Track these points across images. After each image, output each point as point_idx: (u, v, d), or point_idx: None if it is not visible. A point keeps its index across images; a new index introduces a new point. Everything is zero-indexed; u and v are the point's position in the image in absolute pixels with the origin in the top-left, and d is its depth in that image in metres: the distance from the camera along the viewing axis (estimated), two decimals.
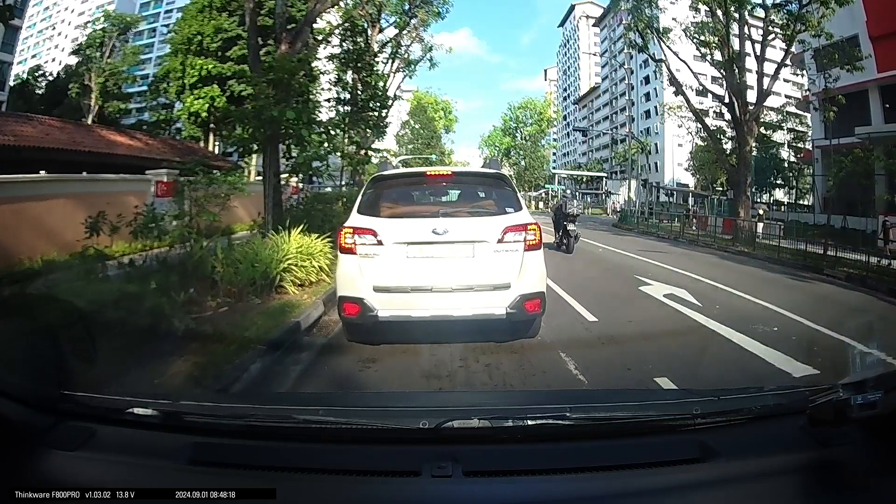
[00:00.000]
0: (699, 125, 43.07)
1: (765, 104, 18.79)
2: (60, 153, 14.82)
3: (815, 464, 1.24)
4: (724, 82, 18.06)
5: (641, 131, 53.60)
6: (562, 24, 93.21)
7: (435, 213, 4.31)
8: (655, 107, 53.28)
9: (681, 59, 19.23)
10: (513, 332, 4.35)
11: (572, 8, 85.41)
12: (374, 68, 21.31)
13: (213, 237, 6.11)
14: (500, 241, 4.06)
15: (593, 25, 76.70)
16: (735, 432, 1.35)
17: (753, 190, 40.42)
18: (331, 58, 20.48)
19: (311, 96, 15.36)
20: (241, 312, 4.98)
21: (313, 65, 19.85)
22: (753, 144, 19.16)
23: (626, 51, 62.67)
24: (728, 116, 20.34)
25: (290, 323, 4.63)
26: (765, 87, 17.69)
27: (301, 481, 1.19)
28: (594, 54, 71.97)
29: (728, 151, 21.47)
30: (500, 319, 4.00)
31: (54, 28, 59.84)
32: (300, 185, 18.91)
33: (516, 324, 4.21)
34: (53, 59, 45.06)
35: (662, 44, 19.55)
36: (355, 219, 4.25)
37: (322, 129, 9.44)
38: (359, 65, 20.17)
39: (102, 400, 1.42)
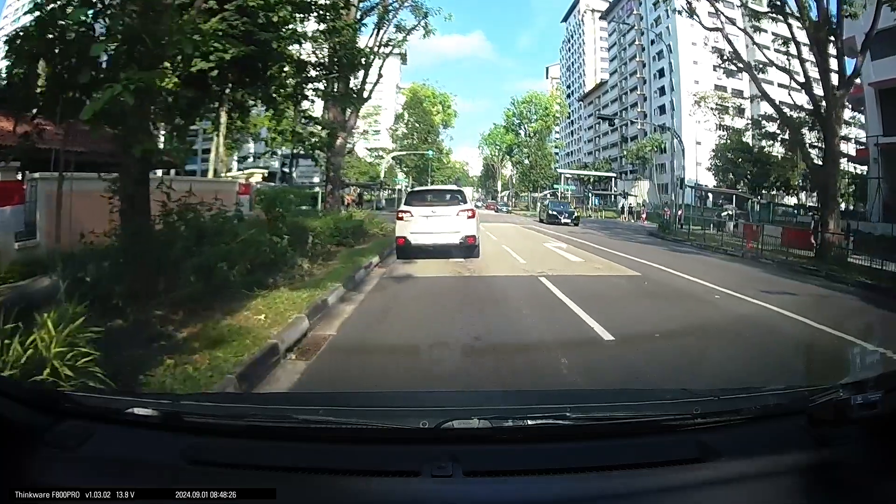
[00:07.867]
0: (719, 118, 38.63)
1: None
2: None
3: (815, 464, 1.23)
4: (814, 58, 13.52)
5: (656, 128, 49.13)
6: (565, 19, 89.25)
7: (433, 204, 10.91)
8: (671, 101, 48.93)
9: (751, 28, 14.75)
10: (465, 252, 10.57)
11: (576, 2, 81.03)
12: (341, 10, 15.86)
13: None
14: (457, 214, 10.54)
15: (600, 18, 72.37)
16: (735, 432, 1.33)
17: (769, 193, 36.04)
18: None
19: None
20: None
21: None
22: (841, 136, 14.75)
23: (637, 42, 58.42)
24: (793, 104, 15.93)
25: None
26: (855, 62, 13.28)
27: (301, 481, 1.19)
28: (607, 32, 67.72)
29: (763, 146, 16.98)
30: (458, 244, 10.38)
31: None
32: (257, 183, 14.43)
33: (466, 247, 10.50)
34: None
35: (718, 4, 15.13)
36: (403, 206, 10.90)
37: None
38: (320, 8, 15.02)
39: (102, 400, 1.41)
